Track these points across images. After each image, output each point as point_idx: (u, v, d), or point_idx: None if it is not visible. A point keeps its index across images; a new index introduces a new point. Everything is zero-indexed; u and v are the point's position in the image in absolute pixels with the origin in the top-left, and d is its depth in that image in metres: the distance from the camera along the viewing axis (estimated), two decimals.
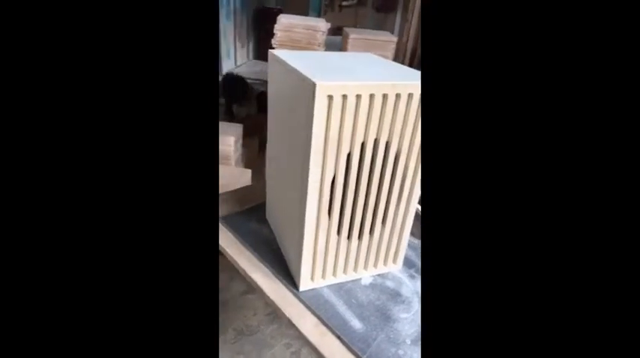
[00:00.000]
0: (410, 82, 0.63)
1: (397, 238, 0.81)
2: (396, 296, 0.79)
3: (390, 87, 0.62)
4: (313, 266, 0.75)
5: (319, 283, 0.78)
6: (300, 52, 0.83)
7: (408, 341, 0.69)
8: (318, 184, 0.66)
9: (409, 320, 0.74)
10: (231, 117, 2.61)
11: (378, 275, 0.84)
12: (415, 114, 0.66)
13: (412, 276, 0.85)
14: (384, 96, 0.62)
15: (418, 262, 0.90)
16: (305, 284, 0.77)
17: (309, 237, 0.71)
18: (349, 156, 0.66)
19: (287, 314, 0.72)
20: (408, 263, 0.89)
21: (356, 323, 0.71)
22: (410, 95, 0.64)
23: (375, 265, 0.83)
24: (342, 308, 0.74)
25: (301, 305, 0.74)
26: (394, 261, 0.85)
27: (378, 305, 0.76)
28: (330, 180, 0.67)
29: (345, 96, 0.60)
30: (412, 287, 0.82)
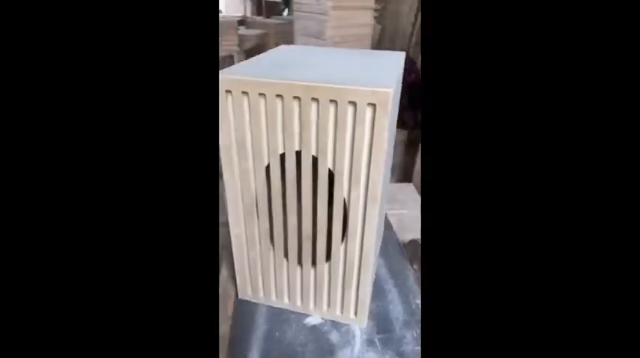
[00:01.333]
0: (359, 87, 0.47)
1: (354, 285, 0.63)
2: (325, 354, 0.63)
3: (303, 88, 0.49)
4: (250, 275, 0.70)
5: (259, 298, 0.72)
6: (317, 48, 0.75)
7: None
8: (236, 193, 0.61)
9: None
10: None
11: (333, 321, 0.69)
12: (350, 126, 0.50)
13: (370, 343, 0.65)
14: (299, 100, 0.50)
15: (399, 331, 0.67)
16: (243, 292, 0.72)
17: (237, 242, 0.66)
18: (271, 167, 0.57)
19: (219, 315, 0.70)
20: (383, 324, 0.68)
21: (254, 356, 0.62)
22: (334, 102, 0.49)
23: (327, 306, 0.68)
24: (257, 335, 0.66)
25: (230, 313, 0.71)
26: (355, 312, 0.67)
27: (294, 351, 0.63)
28: (253, 191, 0.60)
29: (246, 94, 0.52)
30: (354, 355, 0.62)
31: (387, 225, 0.96)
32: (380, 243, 0.86)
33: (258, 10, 4.53)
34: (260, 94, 0.51)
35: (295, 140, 0.54)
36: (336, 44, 1.95)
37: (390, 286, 0.77)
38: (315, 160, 0.54)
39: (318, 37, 2.00)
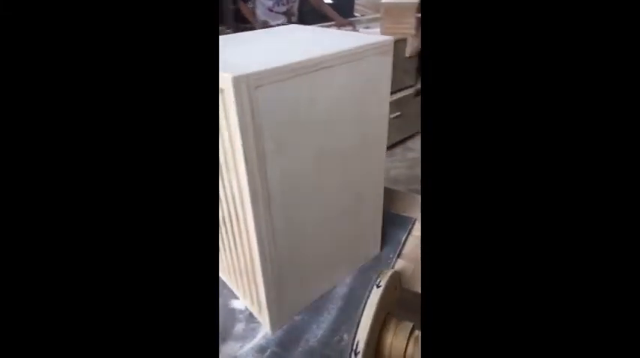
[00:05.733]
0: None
1: (252, 282, 0.59)
2: (219, 338, 0.62)
3: None
4: None
5: None
6: (315, 29, 0.68)
7: None
8: None
9: None
10: None
11: (251, 315, 0.66)
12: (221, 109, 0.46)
13: (262, 350, 0.60)
14: None
15: (295, 354, 0.59)
16: None
17: None
18: None
19: None
20: (287, 340, 0.61)
21: None
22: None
23: (245, 294, 0.66)
24: None
25: None
26: (259, 311, 0.62)
27: None
28: None
29: None
30: (238, 352, 0.59)
31: (394, 244, 0.81)
32: (358, 258, 0.74)
33: None
34: None
35: None
36: None
37: (334, 308, 0.67)
38: None
39: None
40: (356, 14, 3.29)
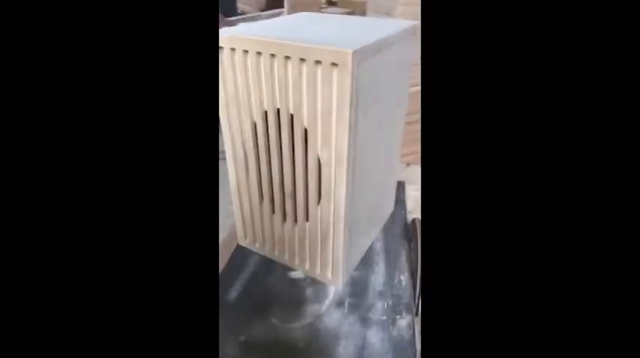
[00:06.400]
0: (324, 46, 0.49)
1: (330, 246, 0.66)
2: (295, 305, 0.67)
3: (277, 46, 0.52)
4: (243, 223, 0.76)
5: (254, 246, 0.78)
6: (331, 15, 0.76)
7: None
8: (231, 146, 0.67)
9: (273, 328, 0.63)
10: None
11: (313, 278, 0.72)
12: (319, 85, 0.51)
13: (340, 304, 0.67)
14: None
15: (371, 299, 0.68)
16: (242, 239, 0.79)
17: (234, 191, 0.73)
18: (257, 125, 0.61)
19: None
20: (358, 290, 0.69)
21: (232, 294, 0.69)
22: (304, 61, 0.51)
23: (308, 264, 0.71)
24: (241, 277, 0.73)
25: (225, 254, 0.79)
26: (331, 273, 0.69)
27: (269, 298, 0.68)
28: (243, 145, 0.65)
29: (234, 51, 0.56)
30: (320, 311, 0.65)
31: (400, 203, 0.94)
32: (383, 217, 0.86)
33: None
34: (244, 51, 0.56)
35: (275, 97, 0.57)
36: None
37: (379, 259, 0.77)
38: (292, 118, 0.57)
39: (388, 14, 1.95)
40: (239, 12, 3.27)
